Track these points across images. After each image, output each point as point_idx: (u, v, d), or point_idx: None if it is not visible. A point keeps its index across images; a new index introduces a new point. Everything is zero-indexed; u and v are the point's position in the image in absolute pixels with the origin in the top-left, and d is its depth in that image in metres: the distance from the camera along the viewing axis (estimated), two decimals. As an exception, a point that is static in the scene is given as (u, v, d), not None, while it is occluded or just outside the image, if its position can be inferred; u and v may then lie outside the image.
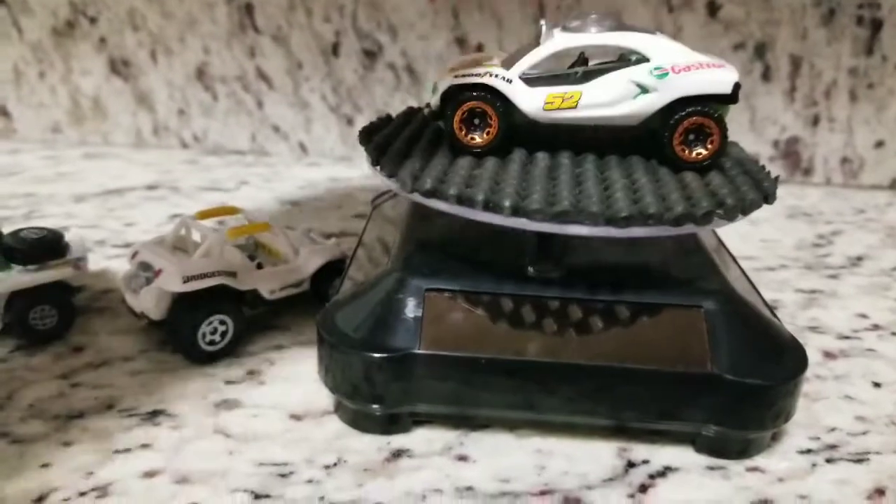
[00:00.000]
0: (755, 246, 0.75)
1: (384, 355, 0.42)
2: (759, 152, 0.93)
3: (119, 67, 0.94)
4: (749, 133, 0.92)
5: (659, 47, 0.44)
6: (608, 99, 0.44)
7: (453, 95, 0.46)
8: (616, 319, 0.43)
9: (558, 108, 0.44)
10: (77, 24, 0.93)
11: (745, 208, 0.42)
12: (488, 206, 0.41)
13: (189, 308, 0.50)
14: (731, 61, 0.88)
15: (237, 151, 0.97)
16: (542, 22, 0.47)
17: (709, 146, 0.44)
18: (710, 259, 0.48)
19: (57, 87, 0.97)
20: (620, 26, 0.45)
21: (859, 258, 0.74)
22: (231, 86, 0.94)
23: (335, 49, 0.92)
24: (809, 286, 0.67)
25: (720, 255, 0.51)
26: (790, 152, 0.93)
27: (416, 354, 0.42)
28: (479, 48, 0.90)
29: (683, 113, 0.44)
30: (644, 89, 0.44)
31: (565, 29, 0.46)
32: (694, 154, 0.45)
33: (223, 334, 0.52)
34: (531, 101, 0.44)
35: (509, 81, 0.45)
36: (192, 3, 0.90)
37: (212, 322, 0.51)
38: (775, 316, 0.47)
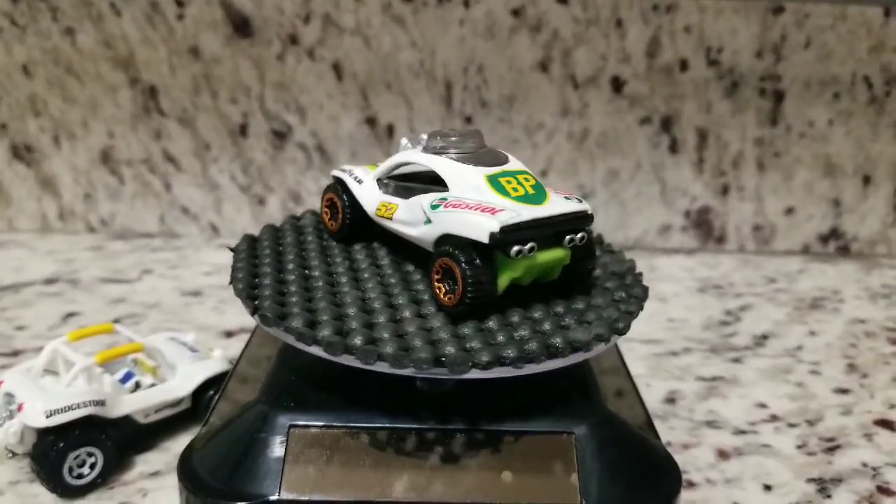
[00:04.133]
0: (662, 327, 0.75)
1: (240, 504, 0.40)
2: (671, 223, 0.93)
3: (21, 153, 0.92)
4: (660, 204, 0.92)
5: (461, 180, 0.42)
6: (409, 219, 0.44)
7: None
8: (486, 450, 0.42)
9: (382, 217, 0.46)
10: (-24, 110, 0.91)
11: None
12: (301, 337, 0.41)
13: (52, 442, 0.48)
14: (638, 135, 0.90)
15: (146, 234, 0.95)
16: (405, 139, 0.48)
17: (456, 293, 0.40)
18: (591, 380, 0.47)
19: (-42, 172, 0.94)
20: (475, 151, 0.45)
21: (765, 336, 0.74)
22: (137, 168, 0.92)
23: (243, 130, 0.90)
24: (711, 373, 0.67)
25: (610, 373, 0.50)
26: (702, 221, 0.93)
27: (275, 502, 0.40)
28: (390, 129, 0.90)
29: (435, 251, 0.41)
30: (427, 218, 0.42)
31: (426, 149, 0.46)
32: (446, 298, 0.41)
33: (92, 466, 0.49)
34: (370, 203, 0.47)
35: (360, 182, 0.48)
36: (94, 88, 0.89)
37: (79, 455, 0.49)
38: (655, 433, 0.46)
